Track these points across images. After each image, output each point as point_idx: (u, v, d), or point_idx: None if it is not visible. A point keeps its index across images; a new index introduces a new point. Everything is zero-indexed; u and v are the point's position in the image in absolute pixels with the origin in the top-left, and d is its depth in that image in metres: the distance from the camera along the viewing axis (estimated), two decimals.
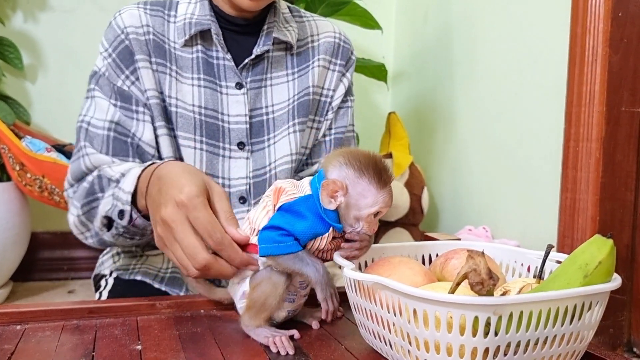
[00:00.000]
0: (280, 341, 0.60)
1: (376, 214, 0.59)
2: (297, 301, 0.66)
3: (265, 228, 0.60)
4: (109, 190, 0.79)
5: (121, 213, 0.74)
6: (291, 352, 0.59)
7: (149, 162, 0.76)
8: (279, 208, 0.60)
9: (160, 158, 0.88)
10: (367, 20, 1.85)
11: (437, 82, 1.93)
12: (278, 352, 0.60)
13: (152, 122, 0.87)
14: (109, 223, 0.78)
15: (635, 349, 1.23)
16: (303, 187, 0.61)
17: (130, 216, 0.74)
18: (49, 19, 1.93)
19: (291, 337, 0.63)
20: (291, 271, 0.61)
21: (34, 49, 1.92)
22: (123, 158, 0.85)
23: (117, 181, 0.77)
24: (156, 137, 0.87)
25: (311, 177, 0.62)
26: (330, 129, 0.99)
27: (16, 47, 1.83)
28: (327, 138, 0.99)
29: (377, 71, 1.91)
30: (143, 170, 0.73)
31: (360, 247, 0.61)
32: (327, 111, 0.98)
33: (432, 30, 1.97)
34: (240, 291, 0.66)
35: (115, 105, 0.86)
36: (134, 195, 0.73)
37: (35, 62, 1.93)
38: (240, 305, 0.65)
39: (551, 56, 1.37)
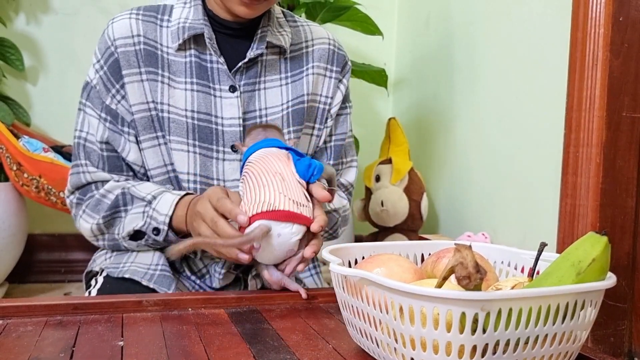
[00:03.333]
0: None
1: None
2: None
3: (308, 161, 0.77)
4: (136, 207, 0.88)
5: (156, 230, 0.85)
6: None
7: (184, 193, 0.87)
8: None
9: (145, 172, 0.92)
10: (368, 26, 1.84)
11: (437, 88, 1.93)
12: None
13: (137, 139, 0.90)
14: (134, 235, 0.88)
15: (636, 359, 1.20)
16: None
17: (167, 233, 0.85)
18: (51, 21, 1.93)
19: None
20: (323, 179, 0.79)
21: (36, 51, 1.93)
22: (118, 173, 0.92)
23: (150, 202, 0.87)
24: (141, 150, 0.91)
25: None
26: (330, 135, 1.00)
27: (17, 49, 1.84)
28: (328, 145, 1.00)
29: (377, 77, 1.91)
30: (181, 198, 0.85)
31: None
32: (326, 119, 0.99)
33: (434, 36, 1.97)
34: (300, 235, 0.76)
35: (105, 120, 0.90)
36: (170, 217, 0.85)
37: (36, 63, 1.94)
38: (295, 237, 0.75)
39: (551, 61, 1.36)
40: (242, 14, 0.86)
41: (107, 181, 0.92)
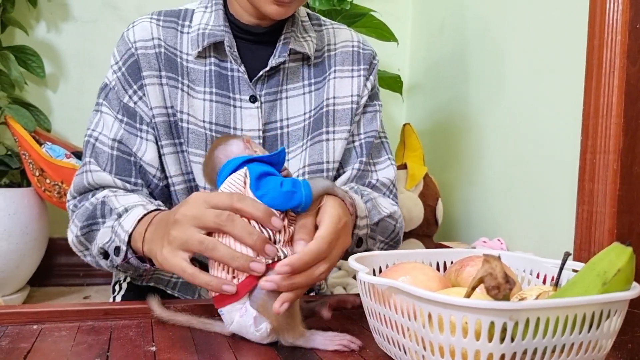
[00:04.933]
0: (348, 342, 0.61)
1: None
2: None
3: (275, 190, 0.60)
4: (109, 220, 0.78)
5: (117, 249, 0.74)
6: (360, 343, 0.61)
7: (154, 208, 0.75)
8: (256, 179, 0.62)
9: (165, 177, 0.87)
10: (383, 33, 1.86)
11: (452, 94, 1.93)
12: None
13: (157, 141, 0.86)
14: (105, 253, 0.78)
15: None
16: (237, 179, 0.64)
17: (125, 254, 0.73)
18: (71, 29, 1.97)
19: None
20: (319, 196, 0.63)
21: (56, 58, 1.97)
22: (125, 178, 0.85)
23: (119, 215, 0.76)
24: (162, 155, 0.86)
25: (232, 174, 0.64)
26: (358, 134, 0.94)
27: (38, 56, 1.88)
28: (357, 143, 0.93)
29: (392, 83, 1.92)
30: (145, 214, 0.73)
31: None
32: (353, 117, 0.93)
33: (448, 42, 1.98)
34: (249, 320, 0.60)
35: (121, 121, 0.86)
36: (130, 235, 0.73)
37: (57, 71, 1.98)
38: (259, 333, 0.61)
39: (568, 68, 1.37)
40: (273, 14, 0.82)
41: (109, 187, 0.84)
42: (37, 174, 1.58)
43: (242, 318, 0.60)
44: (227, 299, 0.60)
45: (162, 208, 0.77)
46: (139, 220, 0.72)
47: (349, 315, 0.76)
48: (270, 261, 0.59)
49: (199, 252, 0.60)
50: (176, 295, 0.91)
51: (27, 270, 1.75)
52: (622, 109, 1.21)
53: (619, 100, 1.22)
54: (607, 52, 1.24)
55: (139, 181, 0.85)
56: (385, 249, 0.90)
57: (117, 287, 0.98)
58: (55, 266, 1.96)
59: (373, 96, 0.97)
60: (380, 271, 0.68)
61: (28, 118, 1.67)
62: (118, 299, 0.95)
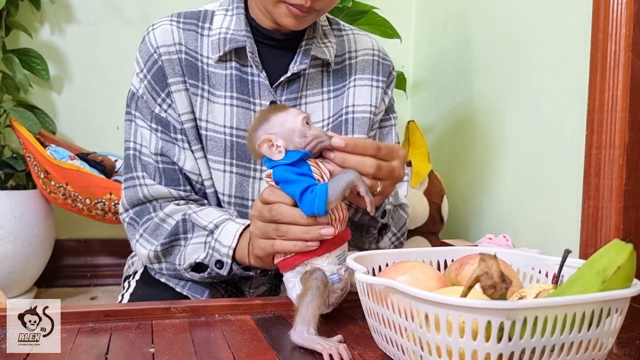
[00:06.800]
0: (337, 352, 0.58)
1: (305, 120, 0.66)
2: (343, 279, 0.67)
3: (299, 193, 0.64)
4: (197, 237, 0.83)
5: (219, 263, 0.80)
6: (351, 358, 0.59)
7: (249, 222, 0.79)
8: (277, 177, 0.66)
9: (202, 182, 0.87)
10: (386, 30, 1.85)
11: (456, 91, 1.92)
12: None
13: (190, 148, 0.86)
14: (196, 266, 0.83)
15: None
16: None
17: (231, 267, 0.80)
18: (75, 32, 1.98)
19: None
20: (340, 196, 0.65)
21: (60, 61, 1.98)
22: (177, 187, 0.87)
23: (211, 232, 0.82)
24: (196, 159, 0.87)
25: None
26: None
27: (43, 59, 1.89)
28: None
29: (396, 80, 1.91)
30: (245, 228, 0.79)
31: (322, 133, 0.66)
32: (372, 127, 0.94)
33: (451, 39, 1.97)
34: (294, 294, 0.68)
35: (156, 131, 0.86)
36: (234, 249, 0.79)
37: (61, 73, 1.99)
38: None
39: (572, 62, 1.35)
40: (289, 26, 0.82)
41: (166, 198, 0.87)
42: (42, 176, 1.59)
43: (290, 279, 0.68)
44: (289, 265, 0.68)
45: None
46: (240, 235, 0.79)
47: (350, 314, 0.76)
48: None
49: (277, 237, 0.67)
50: (185, 293, 0.91)
51: (34, 272, 1.76)
52: (627, 103, 1.20)
53: (624, 94, 1.20)
54: (611, 46, 1.22)
55: (188, 188, 0.88)
56: (395, 244, 0.93)
57: (126, 285, 0.99)
58: (62, 267, 1.97)
59: (389, 109, 0.97)
60: (380, 270, 0.67)
61: (33, 120, 1.68)
62: (127, 295, 0.95)
